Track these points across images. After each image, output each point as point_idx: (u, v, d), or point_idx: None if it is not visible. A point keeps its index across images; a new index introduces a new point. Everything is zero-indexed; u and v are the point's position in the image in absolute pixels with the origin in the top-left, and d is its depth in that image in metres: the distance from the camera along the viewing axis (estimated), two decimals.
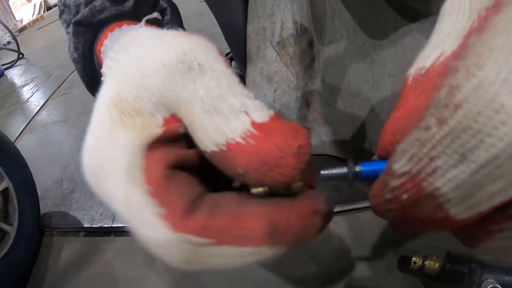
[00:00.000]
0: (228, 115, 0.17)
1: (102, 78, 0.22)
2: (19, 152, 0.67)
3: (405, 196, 0.14)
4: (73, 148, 0.90)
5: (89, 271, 0.58)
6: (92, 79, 0.33)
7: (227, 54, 0.81)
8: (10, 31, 2.00)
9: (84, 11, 0.30)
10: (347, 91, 0.57)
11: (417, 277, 0.45)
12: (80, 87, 0.42)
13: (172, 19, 0.37)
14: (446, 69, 0.15)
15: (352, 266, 0.49)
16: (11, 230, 0.59)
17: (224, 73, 0.19)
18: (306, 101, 0.60)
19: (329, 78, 0.58)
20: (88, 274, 0.58)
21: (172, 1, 0.40)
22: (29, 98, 1.31)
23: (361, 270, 0.49)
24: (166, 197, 0.17)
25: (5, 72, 1.80)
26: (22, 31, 2.76)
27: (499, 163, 0.12)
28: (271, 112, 0.18)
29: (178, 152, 0.19)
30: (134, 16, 0.32)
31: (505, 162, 0.12)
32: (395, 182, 0.14)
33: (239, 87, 0.18)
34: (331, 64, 0.56)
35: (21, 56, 1.90)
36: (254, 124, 0.17)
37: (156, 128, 0.18)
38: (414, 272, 0.44)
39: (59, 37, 1.89)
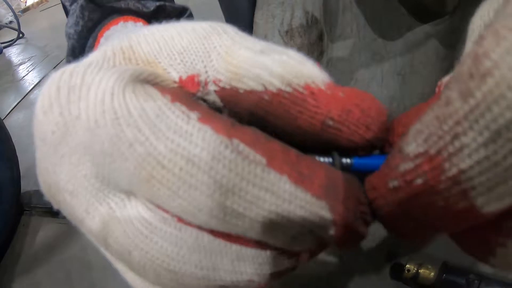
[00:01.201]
0: (300, 59, 0.14)
1: None
2: (4, 125, 0.64)
3: (419, 181, 0.12)
4: None
5: (63, 254, 0.56)
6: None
7: None
8: (12, 10, 1.98)
9: None
10: (354, 87, 0.55)
11: (410, 286, 0.44)
12: None
13: None
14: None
15: (340, 271, 0.47)
16: None
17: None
18: None
19: (336, 73, 0.56)
20: (62, 258, 0.55)
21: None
22: (24, 76, 1.28)
23: (350, 276, 0.47)
24: (197, 106, 0.13)
25: (4, 50, 1.78)
26: (26, 11, 2.75)
27: None
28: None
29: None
30: (148, 20, 0.31)
31: None
32: (408, 165, 0.12)
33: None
34: (338, 59, 0.55)
35: (21, 35, 1.88)
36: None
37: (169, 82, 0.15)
38: (407, 281, 0.43)
39: (61, 19, 1.87)
